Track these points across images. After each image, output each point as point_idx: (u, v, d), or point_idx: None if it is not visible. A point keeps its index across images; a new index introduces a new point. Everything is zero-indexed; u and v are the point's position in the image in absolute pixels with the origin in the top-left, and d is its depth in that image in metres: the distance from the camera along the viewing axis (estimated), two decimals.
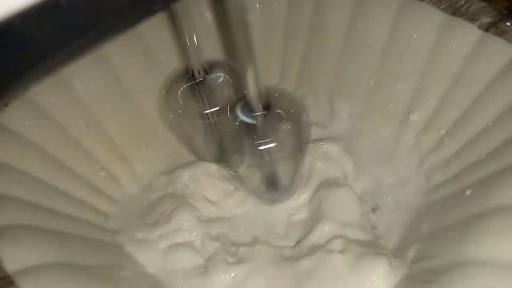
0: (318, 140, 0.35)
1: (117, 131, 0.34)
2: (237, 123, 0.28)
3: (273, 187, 0.32)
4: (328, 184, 0.32)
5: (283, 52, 0.39)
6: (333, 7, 0.34)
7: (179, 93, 0.31)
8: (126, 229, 0.30)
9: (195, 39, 0.28)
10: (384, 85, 0.34)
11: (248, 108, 0.27)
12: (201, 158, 0.35)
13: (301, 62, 0.38)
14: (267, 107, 0.27)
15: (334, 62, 0.36)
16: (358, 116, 0.35)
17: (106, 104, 0.33)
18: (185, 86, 0.31)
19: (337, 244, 0.28)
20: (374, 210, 0.32)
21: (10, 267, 0.20)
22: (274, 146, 0.27)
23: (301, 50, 0.37)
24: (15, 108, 0.28)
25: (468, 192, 0.25)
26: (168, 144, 0.36)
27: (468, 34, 0.29)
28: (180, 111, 0.31)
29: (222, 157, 0.34)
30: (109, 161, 0.33)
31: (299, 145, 0.30)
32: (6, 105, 0.28)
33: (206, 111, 0.30)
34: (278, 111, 0.28)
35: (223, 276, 0.28)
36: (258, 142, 0.27)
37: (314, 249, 0.29)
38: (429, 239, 0.26)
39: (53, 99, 0.31)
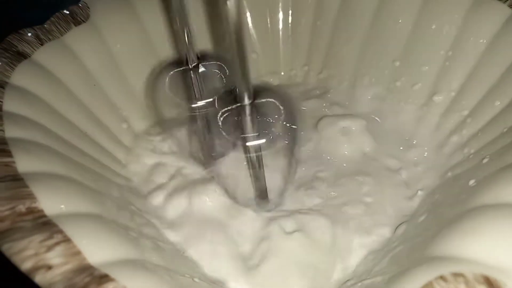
0: (338, 115, 0.34)
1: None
2: (224, 115, 0.25)
3: (260, 191, 0.29)
4: None
5: (310, 33, 0.39)
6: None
7: (168, 78, 0.30)
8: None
9: (190, 24, 0.26)
10: (409, 67, 0.34)
11: (236, 100, 0.24)
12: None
13: (328, 44, 0.38)
14: (255, 99, 0.24)
15: (360, 44, 0.36)
16: (381, 98, 0.35)
17: (136, 60, 0.35)
18: (175, 70, 0.30)
19: None
20: None
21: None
22: (262, 140, 0.25)
23: (329, 31, 0.38)
24: (49, 47, 0.30)
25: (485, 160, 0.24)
26: None
27: (497, 13, 0.28)
28: (167, 99, 0.30)
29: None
30: (131, 116, 0.34)
31: (290, 142, 0.28)
32: (42, 44, 0.29)
33: (194, 101, 0.29)
34: (268, 104, 0.25)
35: None
36: (245, 136, 0.25)
37: None
38: None
39: (87, 47, 0.32)
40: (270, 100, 0.25)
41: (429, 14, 0.32)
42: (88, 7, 0.33)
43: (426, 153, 0.32)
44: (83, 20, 0.32)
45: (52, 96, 0.28)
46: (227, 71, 0.30)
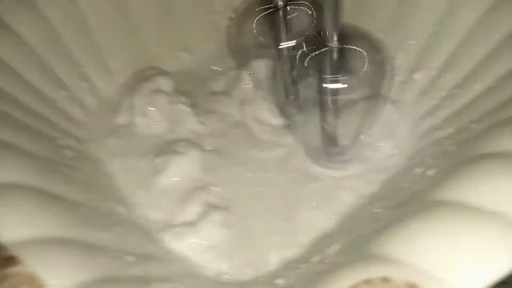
0: None
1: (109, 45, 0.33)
2: (309, 57, 0.25)
3: (331, 141, 0.28)
4: None
5: None
6: None
7: (256, 19, 0.30)
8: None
9: None
10: (394, 38, 0.31)
11: (324, 41, 0.23)
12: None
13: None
14: (344, 43, 0.24)
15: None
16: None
17: (105, 18, 0.33)
18: (264, 12, 0.29)
19: None
20: None
21: None
22: (340, 85, 0.24)
23: None
24: (11, 1, 0.27)
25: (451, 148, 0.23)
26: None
27: None
28: (254, 38, 0.30)
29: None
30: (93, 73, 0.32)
31: (374, 94, 0.27)
32: None
33: (282, 43, 0.28)
34: (358, 49, 0.25)
35: None
36: (328, 77, 0.24)
37: None
38: None
39: (53, 2, 0.30)
40: (357, 48, 0.25)
41: None
42: None
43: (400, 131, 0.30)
44: None
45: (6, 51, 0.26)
46: (314, 13, 0.30)
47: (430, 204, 0.17)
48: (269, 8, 0.29)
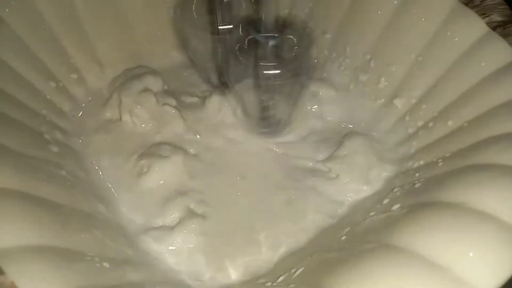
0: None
1: (100, 39, 0.33)
2: (246, 41, 0.29)
3: (267, 115, 0.32)
4: None
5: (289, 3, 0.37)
6: None
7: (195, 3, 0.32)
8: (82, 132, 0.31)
9: None
10: (378, 63, 0.32)
11: (259, 29, 0.27)
12: (204, 77, 0.36)
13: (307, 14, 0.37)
14: (278, 31, 0.28)
15: (337, 25, 0.34)
16: (345, 87, 0.34)
17: (96, 11, 0.33)
18: None
19: None
20: None
21: None
22: (277, 70, 0.28)
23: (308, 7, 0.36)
24: None
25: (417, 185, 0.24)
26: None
27: (474, 28, 0.27)
28: (193, 22, 0.32)
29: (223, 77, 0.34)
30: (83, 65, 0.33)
31: (301, 77, 0.30)
32: None
33: (219, 26, 0.30)
34: (289, 37, 0.29)
35: None
36: (263, 63, 0.28)
37: None
38: None
39: None
40: (290, 36, 0.29)
41: (406, 13, 0.30)
42: None
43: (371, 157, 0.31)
44: None
45: None
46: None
47: (382, 247, 0.18)
48: None
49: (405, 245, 0.18)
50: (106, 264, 0.21)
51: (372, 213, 0.25)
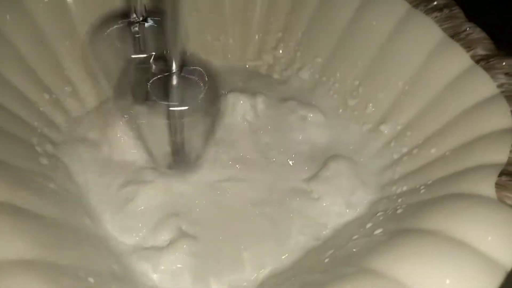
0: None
1: None
2: (151, 77, 0.27)
3: (177, 153, 0.31)
4: None
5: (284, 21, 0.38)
6: (340, 1, 0.34)
7: (109, 30, 0.31)
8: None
9: None
10: (366, 89, 0.33)
11: (164, 64, 0.26)
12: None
13: (300, 39, 0.38)
14: (182, 67, 0.26)
15: (329, 51, 0.35)
16: (334, 108, 0.35)
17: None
18: (119, 23, 0.30)
19: None
20: None
21: None
22: (184, 107, 0.27)
23: (301, 31, 0.37)
24: None
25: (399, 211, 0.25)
26: None
27: (458, 60, 0.28)
28: (107, 49, 0.31)
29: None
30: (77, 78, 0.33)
31: (210, 111, 0.30)
32: None
33: (133, 55, 0.30)
34: (193, 72, 0.27)
35: None
36: (167, 102, 0.26)
37: None
38: None
39: (41, 5, 0.31)
40: (198, 69, 0.27)
41: (395, 43, 0.31)
42: None
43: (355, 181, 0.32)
44: None
45: None
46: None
47: (363, 271, 0.19)
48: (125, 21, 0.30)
49: (385, 270, 0.19)
50: (91, 279, 0.21)
51: (355, 237, 0.25)
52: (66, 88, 0.33)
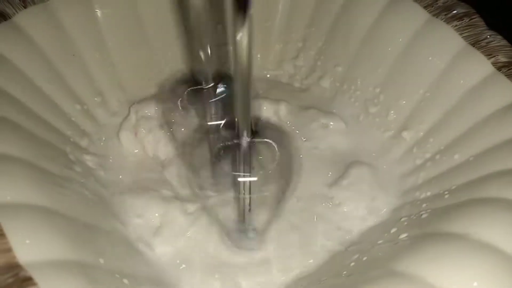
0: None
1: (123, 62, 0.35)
2: (219, 146, 0.25)
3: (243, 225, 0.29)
4: None
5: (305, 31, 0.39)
6: (359, 9, 0.35)
7: (183, 93, 0.30)
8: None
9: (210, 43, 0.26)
10: (388, 96, 0.34)
11: (234, 133, 0.23)
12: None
13: (320, 48, 0.38)
14: (255, 135, 0.23)
15: (350, 59, 0.36)
16: (355, 118, 0.36)
17: (122, 35, 0.35)
18: (191, 88, 0.29)
19: None
20: None
21: None
22: (253, 178, 0.24)
23: (321, 40, 0.38)
24: (33, 12, 0.29)
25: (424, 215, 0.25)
26: None
27: (480, 67, 0.28)
28: (178, 113, 0.31)
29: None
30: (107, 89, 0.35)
31: (283, 186, 0.27)
32: (25, 7, 0.29)
33: (207, 121, 0.29)
34: (267, 141, 0.24)
35: None
36: (237, 172, 0.24)
37: None
38: None
39: (74, 17, 0.32)
40: (269, 140, 0.24)
41: (416, 51, 0.32)
42: None
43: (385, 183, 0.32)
44: None
45: (26, 63, 0.28)
46: None
47: (389, 273, 0.19)
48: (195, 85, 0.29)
49: (412, 272, 0.19)
50: (125, 281, 0.22)
51: (380, 241, 0.26)
52: (96, 98, 0.34)
